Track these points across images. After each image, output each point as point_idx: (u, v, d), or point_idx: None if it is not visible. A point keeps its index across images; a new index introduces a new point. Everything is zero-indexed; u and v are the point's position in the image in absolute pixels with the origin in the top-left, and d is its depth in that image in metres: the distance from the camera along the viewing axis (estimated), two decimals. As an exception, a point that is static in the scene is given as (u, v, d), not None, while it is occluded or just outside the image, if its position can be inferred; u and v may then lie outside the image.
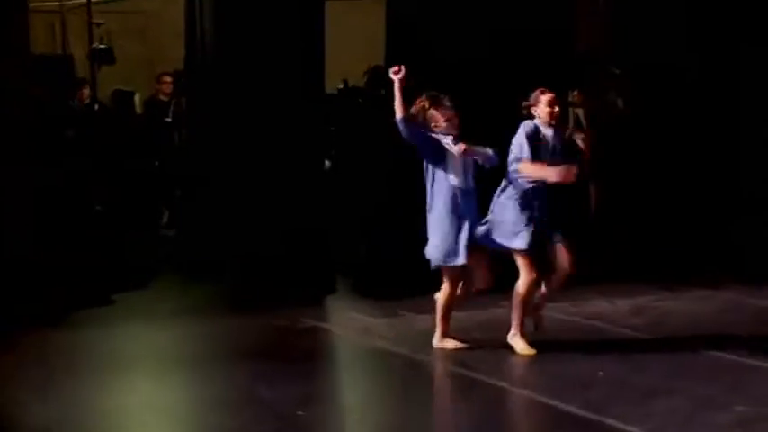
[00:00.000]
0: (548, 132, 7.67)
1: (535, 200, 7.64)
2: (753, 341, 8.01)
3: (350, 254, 11.11)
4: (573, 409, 6.50)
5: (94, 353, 8.09)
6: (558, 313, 9.16)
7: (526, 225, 7.60)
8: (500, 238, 7.66)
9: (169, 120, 12.97)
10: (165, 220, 12.94)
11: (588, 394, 6.77)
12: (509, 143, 7.85)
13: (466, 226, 7.65)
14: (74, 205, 11.10)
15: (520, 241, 7.61)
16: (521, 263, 7.66)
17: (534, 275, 7.68)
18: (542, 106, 7.67)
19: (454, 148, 7.58)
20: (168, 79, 13.31)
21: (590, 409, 6.49)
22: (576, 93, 13.87)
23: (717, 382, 6.95)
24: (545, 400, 6.72)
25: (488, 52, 11.22)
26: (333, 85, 11.99)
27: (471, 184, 7.71)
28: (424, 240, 7.96)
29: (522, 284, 7.71)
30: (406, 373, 7.59)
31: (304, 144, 10.54)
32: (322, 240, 10.62)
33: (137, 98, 13.36)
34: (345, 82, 11.88)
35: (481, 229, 7.71)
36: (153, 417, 6.68)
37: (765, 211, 12.25)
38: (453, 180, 7.65)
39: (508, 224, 7.64)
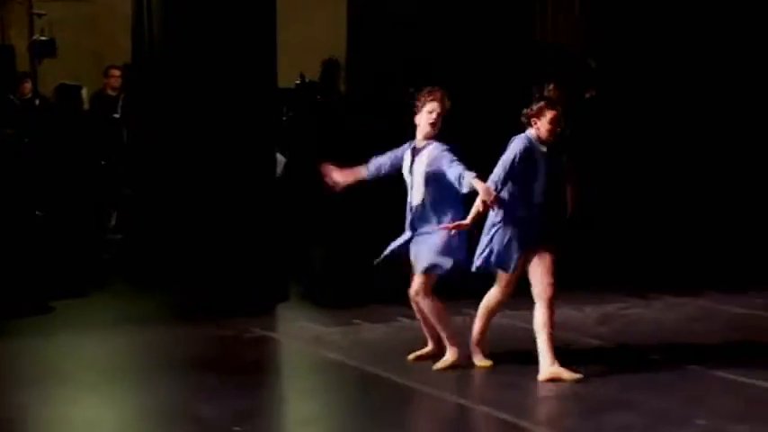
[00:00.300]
0: (542, 149, 7.59)
1: (527, 221, 7.60)
2: (719, 351, 8.14)
3: (305, 259, 11.18)
4: (526, 424, 6.60)
5: (33, 363, 8.15)
6: (522, 322, 9.25)
7: (517, 249, 7.58)
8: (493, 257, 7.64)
9: (117, 116, 12.97)
10: (112, 223, 12.95)
11: (542, 408, 6.87)
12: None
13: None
14: (12, 209, 11.08)
15: (508, 265, 7.61)
16: (503, 278, 7.69)
17: (510, 293, 7.74)
18: (545, 122, 7.59)
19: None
20: (117, 73, 13.28)
21: (543, 423, 6.59)
22: (551, 87, 14.02)
23: (675, 395, 7.05)
24: (499, 414, 6.79)
25: (449, 45, 11.31)
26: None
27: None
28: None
29: (494, 298, 7.78)
30: (355, 387, 7.65)
31: (255, 142, 10.57)
32: (275, 245, 10.65)
33: (84, 93, 13.33)
34: (302, 76, 11.91)
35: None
36: (82, 429, 6.74)
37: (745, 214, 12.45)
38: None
39: (501, 246, 7.60)
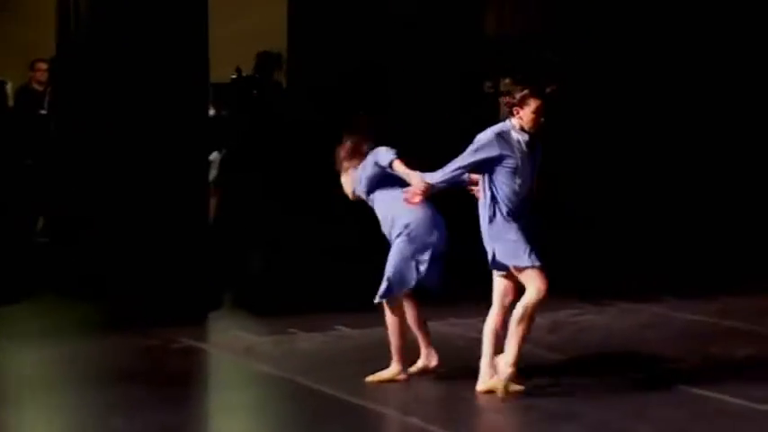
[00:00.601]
0: (521, 138, 7.49)
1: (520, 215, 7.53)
2: (668, 360, 8.23)
3: (241, 264, 11.22)
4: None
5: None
6: (469, 331, 9.34)
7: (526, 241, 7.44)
8: (506, 258, 7.49)
9: (44, 112, 12.94)
10: (39, 226, 12.92)
11: (480, 421, 6.93)
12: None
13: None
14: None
15: (530, 258, 7.41)
16: (531, 274, 7.41)
17: (546, 285, 7.40)
18: (528, 112, 7.46)
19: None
20: (43, 66, 13.21)
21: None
22: (507, 80, 14.07)
23: (620, 407, 7.14)
24: (431, 428, 6.86)
25: (394, 38, 11.40)
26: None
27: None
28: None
29: (532, 298, 7.38)
30: (286, 401, 7.68)
31: (186, 140, 10.58)
32: (207, 249, 10.69)
33: (8, 87, 13.30)
34: (239, 70, 11.96)
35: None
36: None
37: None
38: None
39: (509, 242, 7.47)
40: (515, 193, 7.43)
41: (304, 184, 11.38)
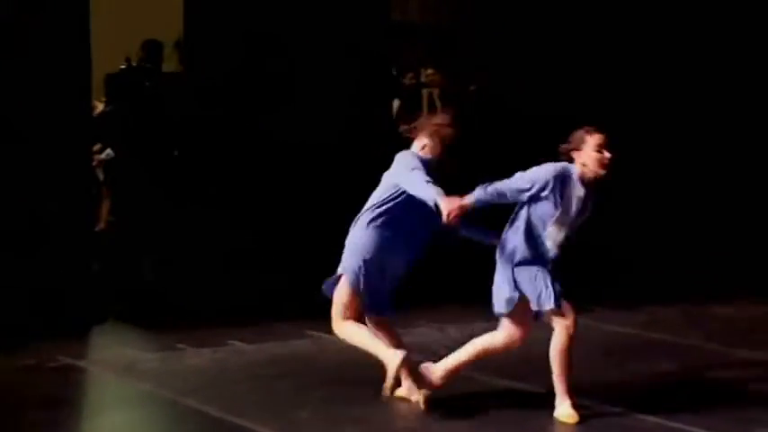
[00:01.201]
0: (580, 190, 7.52)
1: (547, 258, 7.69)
2: (585, 378, 8.38)
3: (131, 275, 11.35)
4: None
5: None
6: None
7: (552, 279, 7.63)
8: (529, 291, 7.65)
9: None
10: None
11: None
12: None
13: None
14: None
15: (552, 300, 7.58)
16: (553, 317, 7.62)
17: (574, 317, 7.60)
18: (589, 151, 7.50)
19: None
20: None
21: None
22: (430, 71, 14.38)
23: (517, 423, 7.51)
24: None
25: (296, 24, 11.62)
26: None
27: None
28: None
29: (563, 335, 7.59)
30: (166, 423, 7.88)
31: (67, 137, 10.66)
32: (92, 257, 10.81)
33: None
34: (128, 60, 12.11)
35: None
36: None
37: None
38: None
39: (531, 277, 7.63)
40: (547, 237, 7.62)
41: (198, 184, 11.56)
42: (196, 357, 9.30)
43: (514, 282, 7.62)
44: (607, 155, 7.48)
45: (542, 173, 7.50)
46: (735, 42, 14.11)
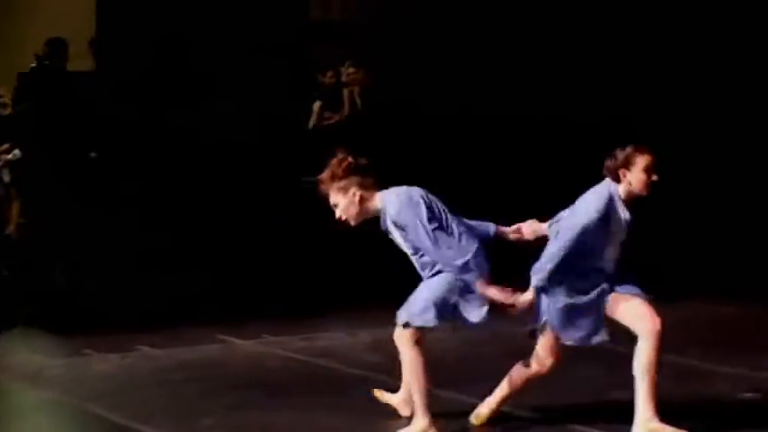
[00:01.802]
0: (622, 209, 7.12)
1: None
2: (490, 380, 8.27)
3: (41, 279, 11.08)
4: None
5: None
6: (283, 350, 9.40)
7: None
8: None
9: None
10: None
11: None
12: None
13: None
14: None
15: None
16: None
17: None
18: (638, 172, 7.06)
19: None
20: None
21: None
22: (351, 69, 14.14)
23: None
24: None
25: (213, 22, 11.45)
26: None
27: None
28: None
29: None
30: (70, 430, 7.67)
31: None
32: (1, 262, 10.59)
33: None
34: (38, 58, 11.77)
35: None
36: None
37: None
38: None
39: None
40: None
41: (110, 185, 11.33)
42: (104, 363, 9.10)
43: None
44: (655, 177, 7.10)
45: (595, 205, 7.04)
46: (723, 43, 13.96)
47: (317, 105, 13.44)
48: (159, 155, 11.75)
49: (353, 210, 6.93)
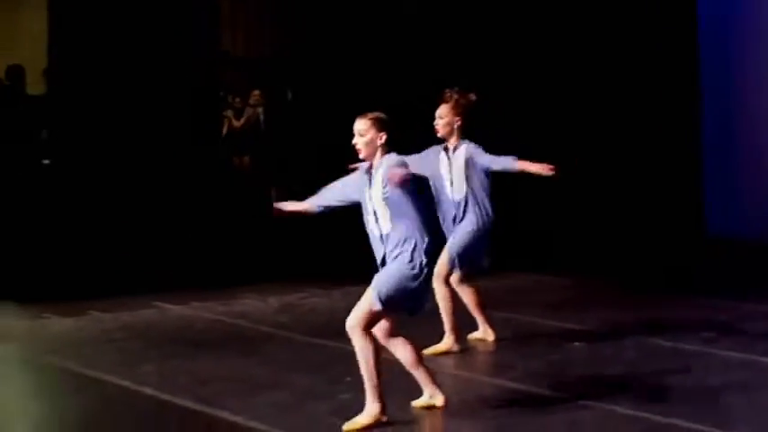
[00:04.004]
0: None
1: None
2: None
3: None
4: (187, 404, 6.72)
5: None
6: (207, 313, 9.43)
7: None
8: None
9: None
10: None
11: (203, 390, 7.01)
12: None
13: None
14: None
15: None
16: None
17: None
18: None
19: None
20: None
21: (202, 403, 6.75)
22: (257, 93, 14.30)
23: (325, 374, 7.29)
24: (163, 396, 6.88)
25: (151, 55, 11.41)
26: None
27: None
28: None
29: None
30: (31, 376, 7.64)
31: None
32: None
33: None
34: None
35: None
36: None
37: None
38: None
39: None
40: None
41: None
42: (60, 325, 9.02)
43: None
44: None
45: None
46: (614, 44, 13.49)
47: (229, 113, 13.65)
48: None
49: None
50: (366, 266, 6.46)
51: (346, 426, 6.16)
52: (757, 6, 12.90)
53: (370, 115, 6.32)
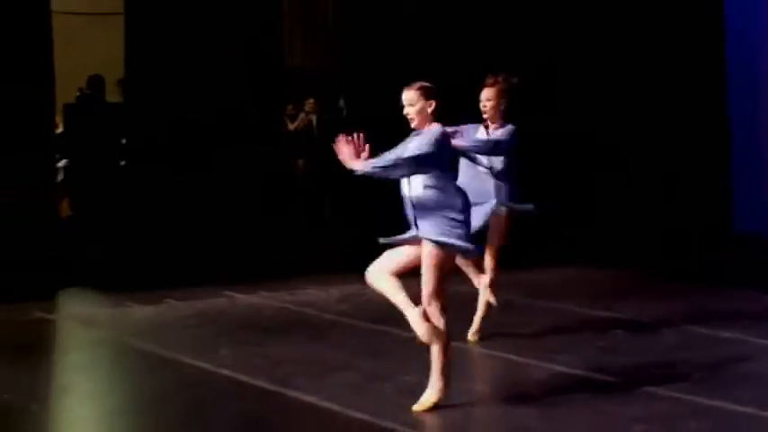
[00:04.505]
0: None
1: None
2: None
3: (90, 250, 10.98)
4: (263, 384, 6.69)
5: None
6: (275, 302, 9.39)
7: None
8: None
9: None
10: None
11: (277, 372, 6.96)
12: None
13: None
14: None
15: None
16: None
17: None
18: None
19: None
20: None
21: (278, 383, 6.70)
22: (311, 101, 14.34)
23: (387, 358, 7.26)
24: (241, 377, 6.84)
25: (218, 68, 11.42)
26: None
27: None
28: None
29: None
30: (117, 357, 7.65)
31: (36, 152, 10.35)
32: (59, 239, 10.45)
33: None
34: (81, 90, 11.78)
35: None
36: None
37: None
38: None
39: None
40: None
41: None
42: (140, 312, 8.99)
43: None
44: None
45: None
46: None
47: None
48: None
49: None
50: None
51: (416, 406, 6.10)
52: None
53: (418, 84, 6.21)
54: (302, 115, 14.03)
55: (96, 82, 11.69)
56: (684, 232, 12.48)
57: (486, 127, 7.68)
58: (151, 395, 6.61)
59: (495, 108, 7.64)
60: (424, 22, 12.92)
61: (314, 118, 14.25)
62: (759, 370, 6.93)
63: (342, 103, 14.01)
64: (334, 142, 6.22)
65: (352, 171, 6.16)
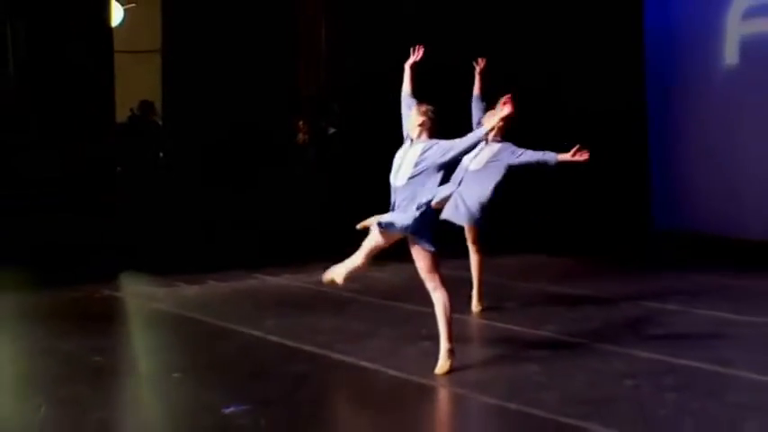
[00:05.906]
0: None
1: None
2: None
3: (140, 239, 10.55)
4: (311, 348, 6.42)
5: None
6: (296, 282, 9.06)
7: None
8: None
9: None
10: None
11: (319, 338, 6.68)
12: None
13: None
14: None
15: None
16: None
17: None
18: None
19: None
20: None
21: (323, 347, 6.42)
22: (301, 122, 13.90)
23: (405, 327, 7.01)
24: (290, 343, 6.58)
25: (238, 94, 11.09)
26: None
27: None
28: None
29: None
30: (175, 327, 7.31)
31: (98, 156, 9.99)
32: (118, 230, 10.04)
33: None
34: (132, 110, 11.41)
35: None
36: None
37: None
38: None
39: None
40: None
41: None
42: (189, 290, 8.65)
43: None
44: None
45: None
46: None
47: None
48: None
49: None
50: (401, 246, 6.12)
51: (438, 369, 5.84)
52: (701, 11, 11.53)
53: (424, 107, 6.05)
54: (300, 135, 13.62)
55: (146, 105, 11.37)
56: (610, 227, 12.20)
57: (486, 141, 7.37)
58: (217, 358, 6.34)
59: (501, 128, 7.19)
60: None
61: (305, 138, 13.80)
62: (703, 333, 6.82)
63: (330, 130, 13.57)
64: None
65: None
